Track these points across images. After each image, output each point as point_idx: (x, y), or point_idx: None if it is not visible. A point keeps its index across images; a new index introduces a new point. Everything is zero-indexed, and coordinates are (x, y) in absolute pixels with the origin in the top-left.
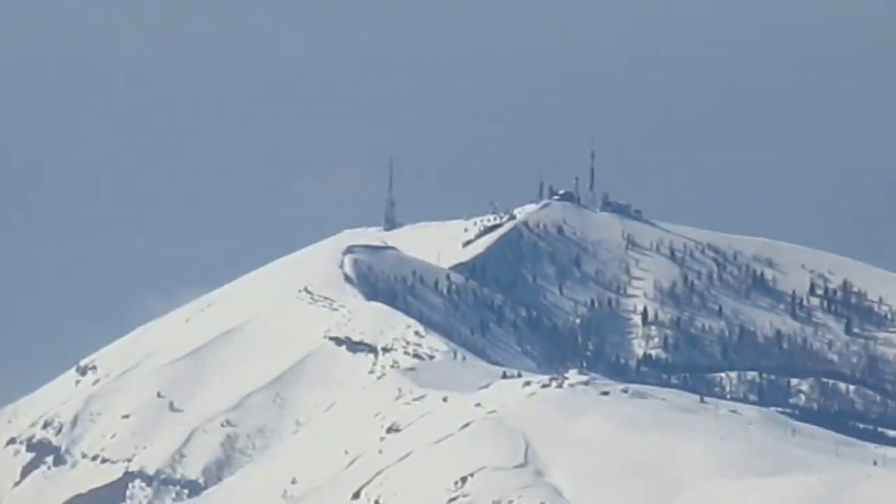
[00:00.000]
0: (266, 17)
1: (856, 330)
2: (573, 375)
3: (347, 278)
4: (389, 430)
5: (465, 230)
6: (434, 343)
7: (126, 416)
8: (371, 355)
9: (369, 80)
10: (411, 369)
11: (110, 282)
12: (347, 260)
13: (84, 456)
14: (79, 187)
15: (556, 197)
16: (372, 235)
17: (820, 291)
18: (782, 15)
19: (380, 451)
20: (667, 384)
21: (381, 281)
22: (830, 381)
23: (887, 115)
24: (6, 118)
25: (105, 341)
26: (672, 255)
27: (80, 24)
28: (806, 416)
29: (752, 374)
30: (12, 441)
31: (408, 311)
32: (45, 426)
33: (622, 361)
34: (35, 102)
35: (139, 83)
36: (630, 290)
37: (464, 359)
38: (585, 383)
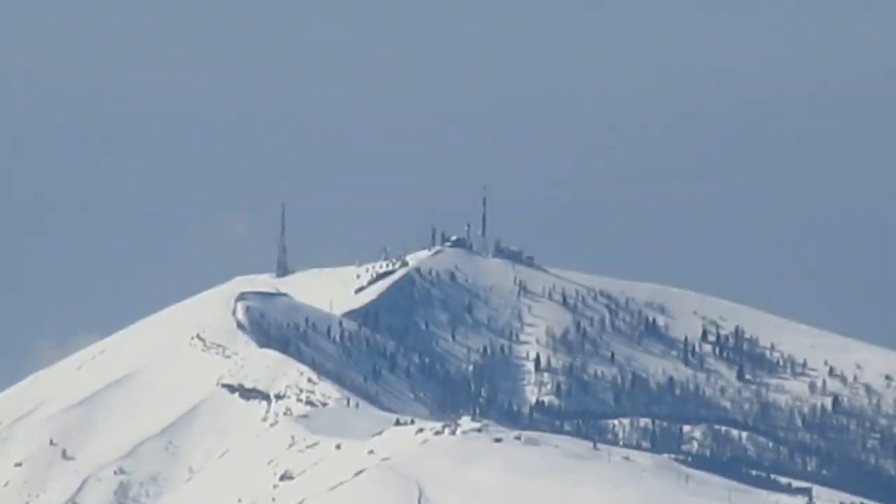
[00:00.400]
0: (157, 58)
1: (748, 376)
2: (466, 422)
3: (240, 325)
4: (283, 478)
5: (358, 276)
6: (327, 390)
7: (18, 464)
8: (264, 402)
9: (259, 124)
10: (304, 416)
11: (1, 329)
12: (240, 307)
13: None
14: None
15: (448, 243)
16: (264, 282)
17: (712, 338)
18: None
19: (273, 499)
20: (560, 431)
21: (274, 328)
22: (723, 428)
23: (777, 155)
24: None
25: None
26: (564, 302)
27: None
28: (699, 462)
29: (644, 421)
30: None
31: (301, 358)
32: None
33: (515, 408)
34: None
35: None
36: (523, 337)
37: (357, 406)
38: (478, 430)
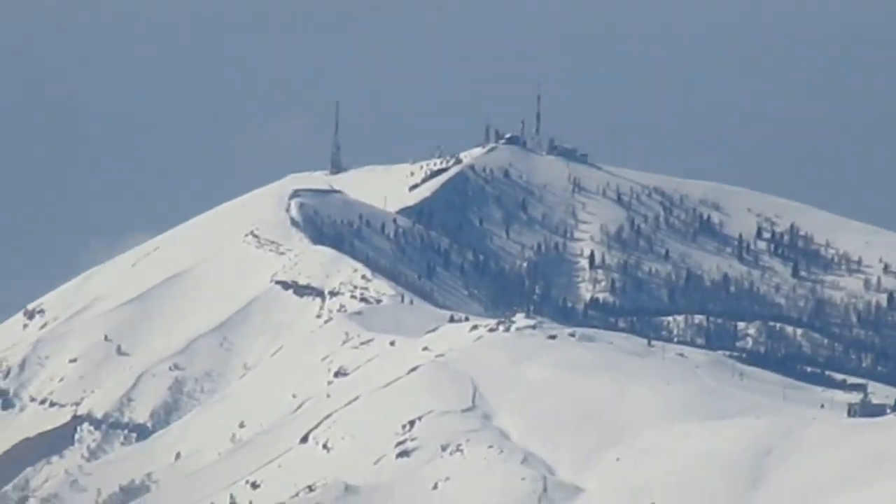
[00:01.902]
0: None
1: (802, 273)
2: (520, 319)
3: (294, 222)
4: (337, 374)
5: (412, 174)
6: (381, 287)
7: (74, 360)
8: (318, 299)
9: (314, 22)
10: (358, 313)
11: (56, 227)
12: (294, 204)
13: (32, 399)
14: (23, 131)
15: (502, 141)
16: (318, 179)
17: (767, 235)
18: None
19: (327, 395)
20: (614, 328)
21: (328, 225)
22: (777, 325)
23: (834, 57)
24: None
25: (52, 285)
26: (618, 199)
27: None
28: (753, 359)
29: (699, 318)
30: None
31: (354, 255)
32: None
33: (569, 305)
34: None
35: (88, 27)
36: (577, 234)
37: (411, 302)
38: (533, 327)
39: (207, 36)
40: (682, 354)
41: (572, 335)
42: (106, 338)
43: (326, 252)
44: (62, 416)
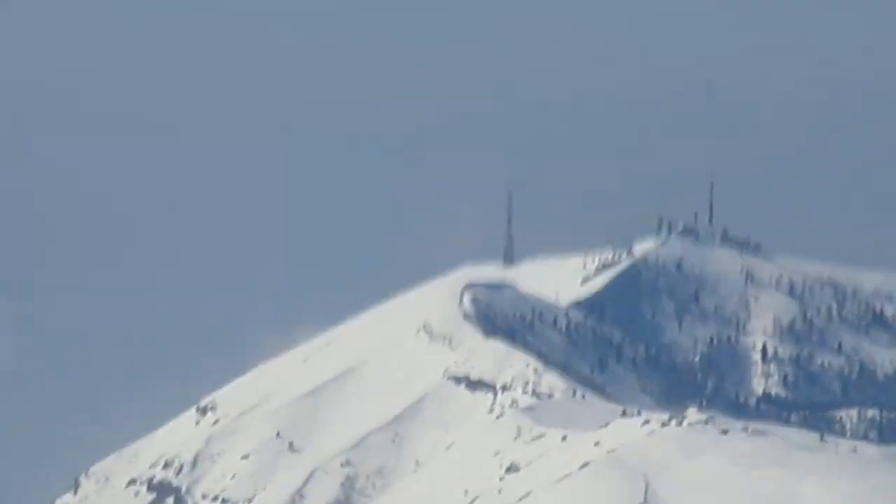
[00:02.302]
0: (371, 52)
1: None
2: (692, 413)
3: (466, 316)
4: (509, 470)
5: (584, 266)
6: (553, 381)
7: (246, 457)
8: (490, 394)
9: (486, 110)
10: (530, 408)
11: (228, 321)
12: (466, 297)
13: (204, 496)
14: (193, 226)
15: (674, 232)
16: (490, 272)
17: None
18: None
19: (499, 491)
20: (786, 422)
21: (500, 318)
22: None
23: None
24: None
25: (224, 381)
26: (791, 291)
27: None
28: None
29: (872, 412)
30: (133, 482)
31: (527, 349)
32: (166, 466)
33: (742, 399)
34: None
35: (238, 123)
36: (749, 327)
37: (583, 397)
38: (705, 421)
39: (390, 119)
40: (855, 450)
41: (745, 430)
42: (278, 434)
43: (499, 346)
44: None
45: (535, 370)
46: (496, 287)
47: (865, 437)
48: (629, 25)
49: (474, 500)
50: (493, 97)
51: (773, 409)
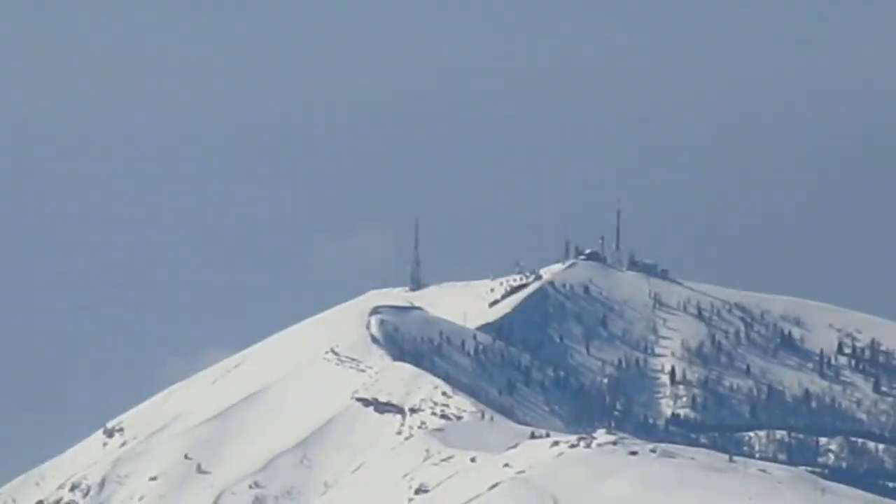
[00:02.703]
0: (279, 72)
1: (884, 388)
2: (601, 435)
3: (374, 339)
4: (418, 492)
5: (492, 290)
6: (461, 403)
7: (154, 479)
8: (398, 416)
9: (392, 137)
10: (439, 430)
11: (136, 344)
12: (374, 321)
13: None
14: (99, 248)
15: (581, 256)
16: (398, 296)
17: (848, 350)
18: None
19: None
20: (695, 443)
21: (408, 341)
22: (859, 440)
23: None
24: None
25: (131, 403)
26: (699, 315)
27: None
28: (835, 475)
29: (780, 434)
30: None
31: (435, 372)
32: (73, 489)
33: (650, 421)
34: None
35: (148, 151)
36: (658, 350)
37: (491, 419)
38: (614, 443)
39: (292, 144)
40: (763, 470)
41: (653, 451)
42: (186, 456)
43: (407, 369)
44: None
45: (444, 392)
46: (403, 311)
47: (774, 459)
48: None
49: None
50: (400, 127)
51: (681, 431)
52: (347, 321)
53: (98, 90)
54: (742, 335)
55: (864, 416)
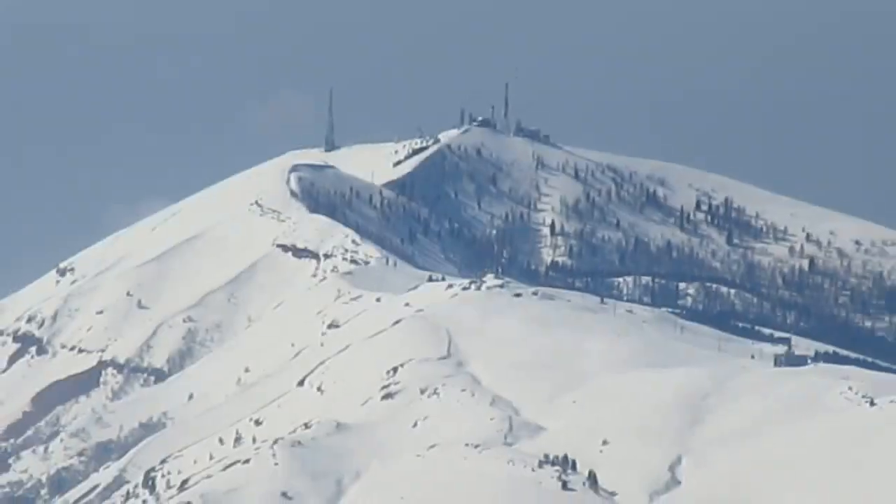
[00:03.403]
0: None
1: (736, 241)
2: (490, 279)
3: (293, 193)
4: (330, 326)
5: (396, 152)
6: (369, 250)
7: (100, 312)
8: (314, 261)
9: (318, 21)
10: (349, 273)
11: (86, 194)
12: (293, 177)
13: (63, 347)
14: (57, 110)
15: (475, 123)
16: (314, 156)
17: (705, 207)
18: None
19: (321, 345)
20: (571, 287)
21: (323, 196)
22: (713, 286)
23: (774, 45)
24: None
25: (81, 246)
26: (576, 175)
27: None
28: (692, 315)
29: (645, 279)
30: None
31: (346, 222)
32: (29, 320)
33: (533, 267)
34: None
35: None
36: (539, 206)
37: (395, 264)
38: (501, 286)
39: (220, 21)
40: (630, 311)
41: (535, 293)
42: (128, 293)
43: (321, 220)
44: (89, 362)
45: (353, 241)
46: (319, 168)
47: (640, 301)
48: None
49: (300, 352)
50: (324, 7)
51: (559, 276)
52: (270, 177)
53: None
54: (613, 193)
55: (717, 265)
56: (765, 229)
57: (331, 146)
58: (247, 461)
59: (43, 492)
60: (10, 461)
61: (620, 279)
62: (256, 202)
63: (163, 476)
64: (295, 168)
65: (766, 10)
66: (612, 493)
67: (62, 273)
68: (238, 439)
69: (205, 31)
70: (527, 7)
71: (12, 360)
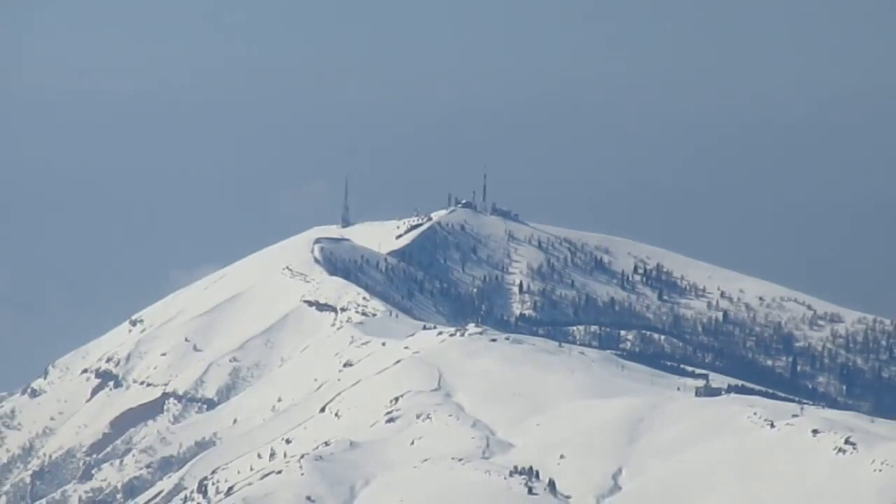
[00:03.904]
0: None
1: (665, 297)
2: (471, 328)
3: (316, 260)
4: (345, 365)
5: (397, 227)
6: (376, 305)
7: (164, 354)
8: (333, 313)
9: (333, 118)
10: (360, 323)
11: (153, 261)
12: (316, 248)
13: (135, 381)
14: (134, 192)
15: (459, 205)
16: (333, 231)
17: (641, 271)
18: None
19: (338, 380)
20: (536, 334)
21: (340, 262)
22: (648, 333)
23: (696, 144)
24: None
25: (149, 302)
26: (539, 246)
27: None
28: (631, 356)
29: (594, 328)
30: (85, 371)
31: (358, 283)
32: (108, 361)
33: (505, 318)
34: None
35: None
36: (511, 270)
37: (396, 316)
38: (480, 333)
39: (263, 122)
40: (582, 353)
41: (507, 339)
42: (186, 339)
43: (339, 281)
44: (155, 393)
45: (364, 298)
46: (337, 241)
47: (589, 345)
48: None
49: (321, 385)
50: (340, 100)
51: (526, 325)
52: (298, 248)
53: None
54: (568, 260)
55: (651, 316)
56: (688, 288)
57: (346, 223)
58: (279, 472)
59: (119, 496)
60: (93, 472)
61: (574, 328)
62: (287, 267)
63: (213, 484)
64: (318, 240)
65: (698, 113)
66: (568, 497)
67: (134, 323)
68: (272, 454)
69: (248, 133)
70: (500, 114)
71: (95, 391)
